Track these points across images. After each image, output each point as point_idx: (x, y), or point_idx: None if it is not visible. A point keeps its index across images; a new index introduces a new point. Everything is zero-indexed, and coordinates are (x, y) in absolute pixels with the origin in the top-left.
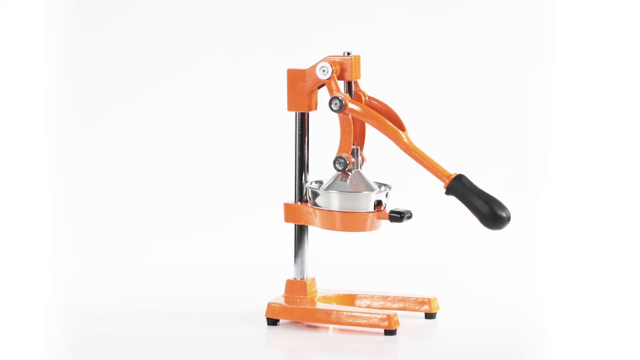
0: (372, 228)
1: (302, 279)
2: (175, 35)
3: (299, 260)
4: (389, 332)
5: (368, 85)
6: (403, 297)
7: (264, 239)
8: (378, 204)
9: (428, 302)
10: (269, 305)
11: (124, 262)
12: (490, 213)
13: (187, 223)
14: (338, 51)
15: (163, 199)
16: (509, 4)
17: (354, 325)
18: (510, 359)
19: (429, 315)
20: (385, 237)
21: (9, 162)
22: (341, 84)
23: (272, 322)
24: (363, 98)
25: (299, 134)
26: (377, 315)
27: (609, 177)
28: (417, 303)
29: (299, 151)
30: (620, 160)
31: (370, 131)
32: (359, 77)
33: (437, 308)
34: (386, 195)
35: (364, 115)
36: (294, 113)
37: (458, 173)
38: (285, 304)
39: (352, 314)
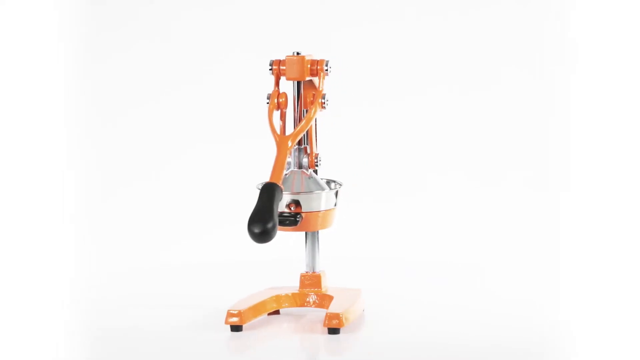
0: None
1: (307, 272)
2: (192, 34)
3: (307, 253)
4: (235, 329)
5: (385, 84)
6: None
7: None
8: (289, 203)
9: (327, 317)
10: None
11: (128, 260)
12: (248, 224)
13: (199, 220)
14: (350, 51)
15: (177, 197)
16: (530, 3)
17: None
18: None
19: (331, 331)
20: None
21: (27, 160)
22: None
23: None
24: (309, 99)
25: None
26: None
27: (632, 177)
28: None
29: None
30: None
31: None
32: (300, 78)
33: (338, 325)
34: (336, 195)
35: (268, 115)
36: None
37: (270, 182)
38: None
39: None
